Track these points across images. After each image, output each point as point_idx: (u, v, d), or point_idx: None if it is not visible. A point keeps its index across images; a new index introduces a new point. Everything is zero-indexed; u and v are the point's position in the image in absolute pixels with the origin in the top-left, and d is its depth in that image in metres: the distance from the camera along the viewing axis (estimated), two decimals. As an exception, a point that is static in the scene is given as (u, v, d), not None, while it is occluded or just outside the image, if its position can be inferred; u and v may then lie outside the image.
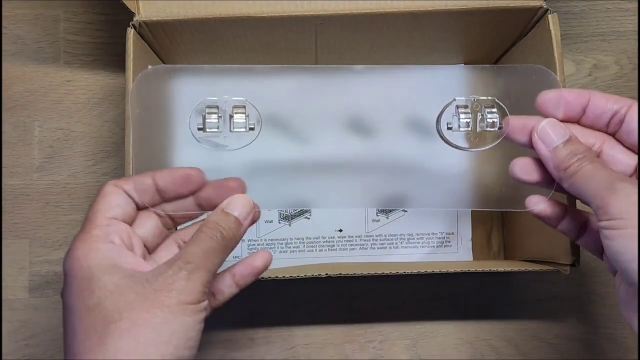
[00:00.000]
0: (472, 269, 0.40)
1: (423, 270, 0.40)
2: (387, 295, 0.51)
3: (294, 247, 0.50)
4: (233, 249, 0.31)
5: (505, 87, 0.38)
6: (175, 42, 0.44)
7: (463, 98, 0.37)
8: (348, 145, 0.50)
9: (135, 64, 0.40)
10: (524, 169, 0.34)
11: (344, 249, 0.50)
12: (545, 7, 0.40)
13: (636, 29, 0.53)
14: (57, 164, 0.51)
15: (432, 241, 0.50)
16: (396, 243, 0.50)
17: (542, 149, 0.33)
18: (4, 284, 0.50)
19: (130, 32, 0.40)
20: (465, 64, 0.50)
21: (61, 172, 0.51)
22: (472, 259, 0.50)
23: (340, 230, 0.50)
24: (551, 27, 0.40)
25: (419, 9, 0.40)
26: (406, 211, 0.50)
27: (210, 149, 0.37)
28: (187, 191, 0.33)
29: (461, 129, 0.37)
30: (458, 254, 0.50)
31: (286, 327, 0.50)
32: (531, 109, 0.34)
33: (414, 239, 0.49)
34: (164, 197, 0.33)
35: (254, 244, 0.49)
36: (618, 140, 0.33)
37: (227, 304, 0.50)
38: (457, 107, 0.38)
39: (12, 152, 0.51)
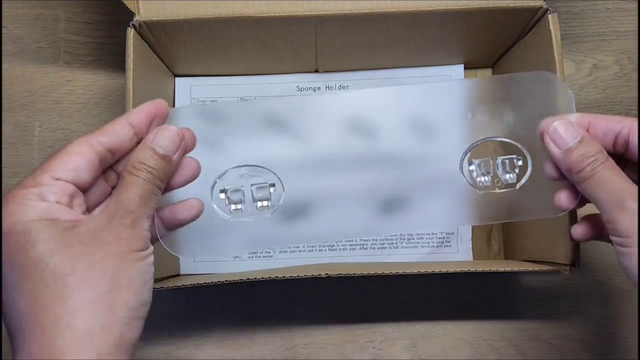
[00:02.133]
0: (472, 269, 0.40)
1: (423, 270, 0.40)
2: (387, 295, 0.51)
3: (294, 247, 0.50)
4: (164, 186, 0.30)
5: (512, 96, 0.38)
6: (175, 42, 0.44)
7: (481, 160, 0.38)
8: (349, 147, 0.50)
9: (135, 64, 0.40)
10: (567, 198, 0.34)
11: (344, 249, 0.50)
12: (545, 7, 0.40)
13: (636, 29, 0.53)
14: (57, 164, 0.51)
15: (432, 241, 0.50)
16: (396, 243, 0.50)
17: (554, 150, 0.33)
18: (4, 284, 0.49)
19: (130, 32, 0.40)
20: (465, 64, 0.50)
21: (61, 172, 0.51)
22: (472, 259, 0.50)
23: None
24: (551, 27, 0.40)
25: (419, 9, 0.40)
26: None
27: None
28: (158, 123, 0.31)
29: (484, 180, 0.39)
30: (458, 254, 0.50)
31: (286, 327, 0.50)
32: (540, 114, 0.35)
33: (414, 239, 0.49)
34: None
35: (254, 244, 0.49)
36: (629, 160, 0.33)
37: (227, 304, 0.50)
38: (478, 164, 0.38)
39: (12, 152, 0.51)
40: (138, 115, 0.30)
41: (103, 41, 0.52)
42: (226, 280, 0.39)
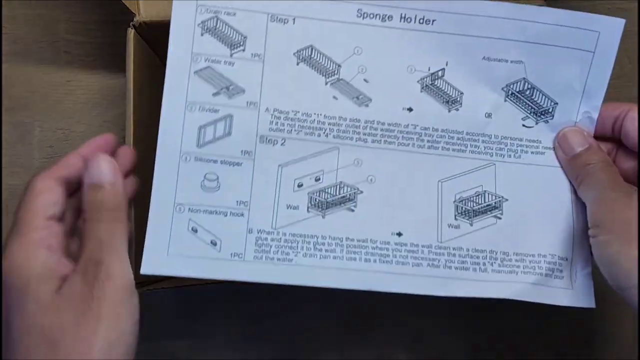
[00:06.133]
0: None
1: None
2: (387, 295, 0.50)
3: (326, 249, 0.35)
4: (125, 210, 0.30)
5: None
6: (175, 42, 0.44)
7: None
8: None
9: (136, 64, 0.40)
10: None
11: (403, 263, 0.35)
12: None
13: (636, 29, 0.53)
14: (57, 164, 0.51)
15: None
16: (483, 262, 0.35)
17: (561, 155, 0.34)
18: (4, 284, 0.49)
19: (131, 33, 0.40)
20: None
21: (61, 172, 0.51)
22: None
23: (400, 234, 0.35)
24: (552, 28, 0.39)
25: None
26: (500, 218, 0.36)
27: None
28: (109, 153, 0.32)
29: None
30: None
31: (286, 327, 0.50)
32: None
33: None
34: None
35: (266, 239, 0.35)
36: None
37: (227, 304, 0.50)
38: None
39: (12, 152, 0.51)
40: (88, 147, 0.32)
41: (103, 41, 0.52)
42: (226, 281, 0.39)
